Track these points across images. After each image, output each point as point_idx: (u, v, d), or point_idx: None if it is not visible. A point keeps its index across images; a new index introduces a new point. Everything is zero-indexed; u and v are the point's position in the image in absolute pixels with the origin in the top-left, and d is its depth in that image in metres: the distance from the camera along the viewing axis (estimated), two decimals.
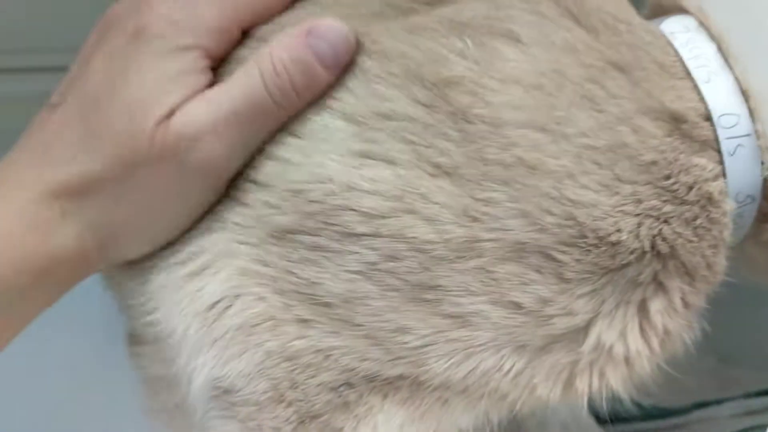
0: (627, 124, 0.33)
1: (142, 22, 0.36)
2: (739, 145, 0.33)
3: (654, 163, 0.33)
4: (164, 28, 0.35)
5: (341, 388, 0.35)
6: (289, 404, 0.35)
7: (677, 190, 0.33)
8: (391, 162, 0.33)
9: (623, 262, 0.33)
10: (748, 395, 0.61)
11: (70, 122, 0.36)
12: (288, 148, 0.35)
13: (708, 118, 0.33)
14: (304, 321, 0.34)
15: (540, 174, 0.32)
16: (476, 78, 0.33)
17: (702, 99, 0.33)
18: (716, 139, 0.33)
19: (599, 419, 0.71)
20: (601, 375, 0.34)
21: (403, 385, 0.35)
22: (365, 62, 0.34)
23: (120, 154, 0.35)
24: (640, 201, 0.33)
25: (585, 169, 0.32)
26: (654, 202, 0.33)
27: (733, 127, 0.33)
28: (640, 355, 0.34)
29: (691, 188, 0.33)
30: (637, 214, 0.33)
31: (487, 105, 0.33)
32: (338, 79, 0.35)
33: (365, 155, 0.33)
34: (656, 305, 0.34)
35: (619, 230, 0.32)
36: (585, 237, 0.32)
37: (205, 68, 0.36)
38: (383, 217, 0.32)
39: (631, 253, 0.33)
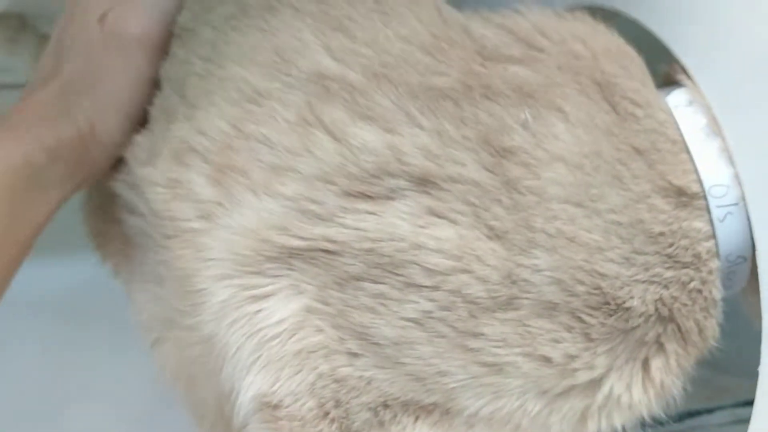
0: (644, 202, 0.36)
1: None
2: (728, 213, 0.37)
3: (662, 234, 0.36)
4: None
5: (378, 409, 0.38)
6: (332, 420, 0.38)
7: (677, 254, 0.36)
8: (454, 222, 0.36)
9: (634, 325, 0.37)
10: (737, 404, 0.64)
11: None
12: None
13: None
14: (354, 354, 0.38)
15: (575, 246, 0.36)
16: (530, 150, 0.36)
17: (698, 174, 0.37)
18: (708, 208, 0.37)
19: None
20: (609, 418, 0.38)
21: (434, 410, 0.39)
22: (443, 125, 0.37)
23: (73, 38, 0.50)
24: (647, 269, 0.36)
25: (612, 243, 0.36)
26: (658, 269, 0.36)
27: (722, 197, 0.37)
28: (640, 403, 0.38)
29: (687, 250, 0.37)
30: (644, 281, 0.36)
31: (536, 178, 0.36)
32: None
33: (433, 213, 0.36)
34: (656, 363, 0.38)
35: (632, 297, 0.36)
36: (608, 304, 0.36)
37: None
38: (444, 274, 0.36)
39: (640, 316, 0.36)
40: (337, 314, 0.38)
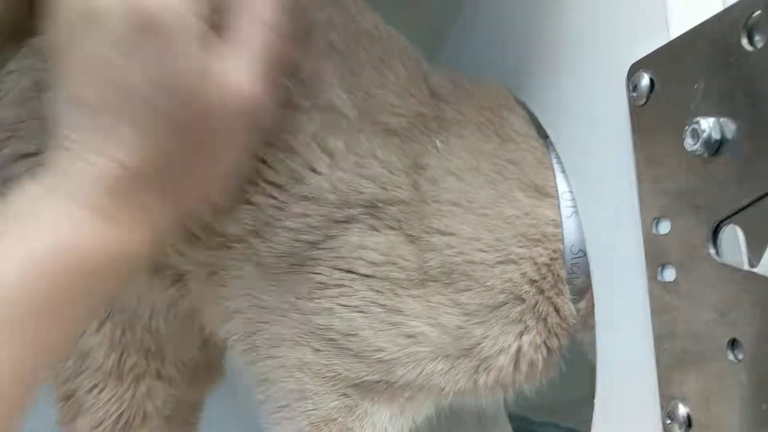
0: (507, 197, 0.48)
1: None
2: (574, 212, 0.48)
3: (517, 216, 0.47)
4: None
5: (341, 398, 0.49)
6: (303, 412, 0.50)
7: (528, 232, 0.47)
8: (386, 234, 0.48)
9: (498, 302, 0.47)
10: None
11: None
12: None
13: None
14: (317, 350, 0.49)
15: (455, 239, 0.47)
16: (436, 167, 0.49)
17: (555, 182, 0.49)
18: (558, 206, 0.48)
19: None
20: (489, 374, 0.48)
21: (383, 390, 0.49)
22: (390, 157, 0.49)
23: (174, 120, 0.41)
24: (509, 253, 0.47)
25: (480, 234, 0.47)
26: (513, 248, 0.47)
27: (570, 200, 0.48)
28: (512, 371, 0.48)
29: (536, 228, 0.47)
30: (503, 262, 0.47)
31: (437, 188, 0.48)
32: None
33: (373, 228, 0.48)
34: (526, 339, 0.48)
35: (493, 277, 0.47)
36: (477, 284, 0.47)
37: None
38: (378, 265, 0.48)
39: (501, 293, 0.47)
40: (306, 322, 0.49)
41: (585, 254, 0.47)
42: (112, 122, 0.38)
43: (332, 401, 0.49)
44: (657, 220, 0.39)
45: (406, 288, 0.47)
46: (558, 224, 0.48)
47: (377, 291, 0.47)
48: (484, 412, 0.70)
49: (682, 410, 0.38)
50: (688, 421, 0.37)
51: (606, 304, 0.45)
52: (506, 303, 0.47)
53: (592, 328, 0.47)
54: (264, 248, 0.48)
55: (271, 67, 0.41)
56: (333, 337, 0.48)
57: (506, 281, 0.47)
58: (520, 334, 0.48)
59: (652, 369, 0.40)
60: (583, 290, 0.48)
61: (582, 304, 0.48)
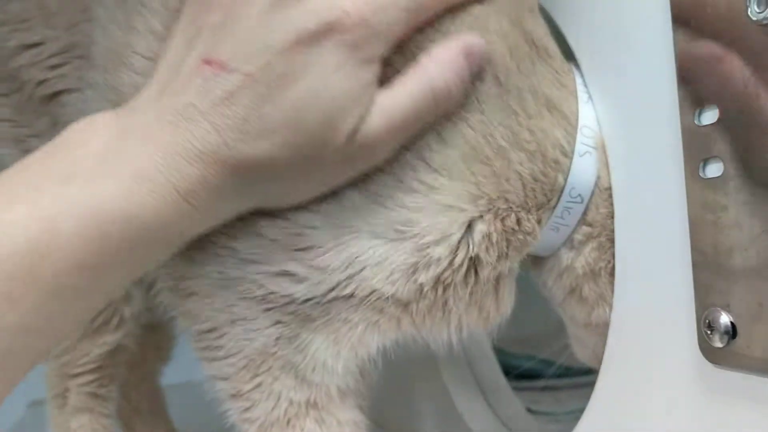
0: (512, 91, 0.41)
1: (333, 19, 0.37)
2: (587, 152, 0.42)
3: (516, 114, 0.41)
4: (360, 36, 0.37)
5: (277, 326, 0.43)
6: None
7: (525, 141, 0.41)
8: None
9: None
10: None
11: (249, 99, 0.37)
12: None
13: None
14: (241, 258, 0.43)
15: None
16: None
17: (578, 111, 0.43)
18: (574, 140, 0.42)
19: (513, 375, 0.75)
20: (428, 271, 0.42)
21: (317, 317, 0.43)
22: None
23: (303, 150, 0.38)
24: (490, 140, 0.41)
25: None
26: (500, 141, 0.41)
27: (588, 137, 0.43)
28: (451, 271, 0.42)
29: (536, 140, 0.41)
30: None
31: None
32: None
33: None
34: (475, 228, 0.41)
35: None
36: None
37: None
38: None
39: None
40: None
41: (582, 201, 0.43)
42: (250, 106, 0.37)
43: (266, 329, 0.43)
44: (701, 110, 0.35)
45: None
46: (567, 154, 0.42)
47: None
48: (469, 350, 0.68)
49: (725, 319, 0.34)
50: (733, 331, 0.33)
51: (631, 210, 0.41)
52: (454, 173, 0.41)
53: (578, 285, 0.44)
54: None
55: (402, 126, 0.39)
56: (258, 222, 0.42)
57: (466, 148, 0.40)
58: (461, 216, 0.41)
59: (687, 277, 0.36)
60: (579, 243, 0.44)
61: (578, 261, 0.44)
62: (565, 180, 0.42)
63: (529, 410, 0.71)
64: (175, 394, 0.71)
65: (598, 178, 0.42)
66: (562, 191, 0.42)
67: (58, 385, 0.59)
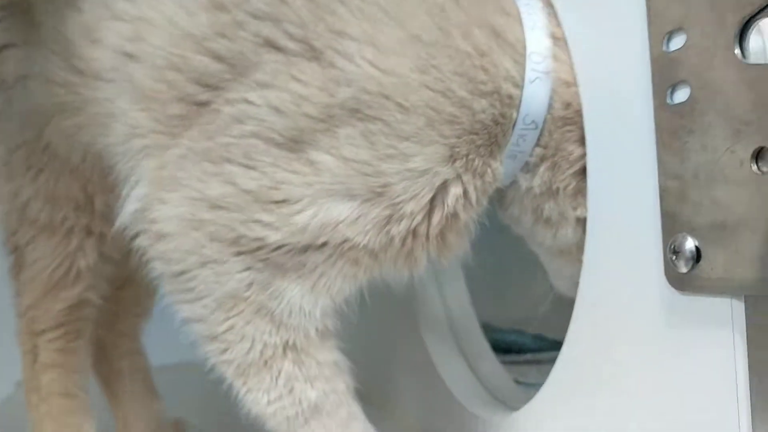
0: (458, 28, 0.41)
1: None
2: (537, 77, 0.42)
3: (468, 55, 0.41)
4: None
5: (249, 272, 0.43)
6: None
7: (479, 80, 0.41)
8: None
9: (418, 136, 0.41)
10: None
11: None
12: None
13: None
14: (213, 205, 0.43)
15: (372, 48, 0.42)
16: None
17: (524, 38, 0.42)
18: (524, 68, 0.42)
19: (501, 350, 0.74)
20: (401, 224, 0.43)
21: (291, 264, 0.43)
22: None
23: None
24: (444, 87, 0.41)
25: (405, 52, 0.41)
26: (454, 88, 0.41)
27: (537, 63, 0.42)
28: (425, 223, 0.43)
29: (488, 76, 0.41)
30: (433, 90, 0.41)
31: None
32: None
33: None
34: (441, 186, 0.42)
35: (416, 106, 0.41)
36: (394, 110, 0.41)
37: None
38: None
39: (422, 129, 0.41)
40: None
41: (537, 127, 0.43)
42: None
43: (238, 273, 0.43)
44: (669, 35, 0.35)
45: (312, 119, 0.41)
46: (518, 85, 0.42)
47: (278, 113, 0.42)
48: (455, 320, 0.67)
49: (690, 243, 0.33)
50: (697, 255, 0.33)
51: (600, 146, 0.41)
52: (424, 139, 0.41)
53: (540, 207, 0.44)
54: None
55: None
56: (232, 171, 0.42)
57: (430, 112, 0.40)
58: (435, 179, 0.42)
59: (654, 206, 0.36)
60: (534, 165, 0.44)
61: (535, 181, 0.44)
62: (518, 110, 0.42)
63: (517, 382, 0.70)
64: (169, 376, 0.70)
65: (551, 105, 0.42)
66: (516, 121, 0.42)
67: (28, 342, 0.59)
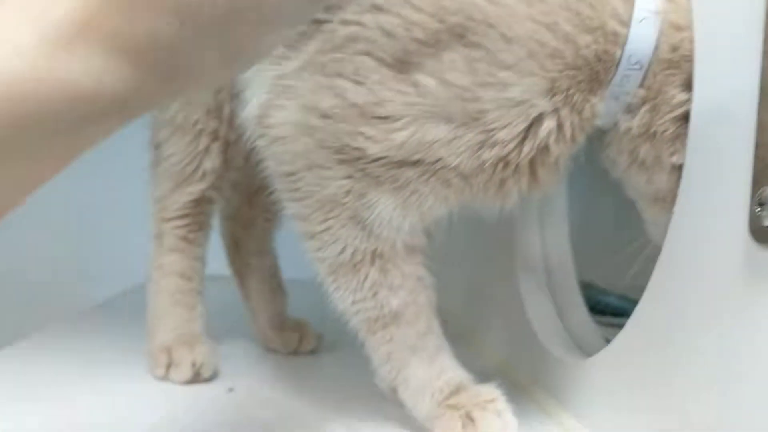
0: None
1: None
2: (645, 18, 0.43)
3: None
4: None
5: (348, 180, 0.46)
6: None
7: (585, 15, 0.42)
8: None
9: (518, 66, 0.43)
10: None
11: None
12: None
13: None
14: (323, 114, 0.47)
15: None
16: None
17: None
18: (632, 7, 0.43)
19: (598, 311, 0.74)
20: (493, 149, 0.45)
21: (386, 179, 0.46)
22: None
23: None
24: (551, 20, 0.42)
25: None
26: (560, 23, 0.42)
27: (648, 3, 0.43)
28: (516, 151, 0.44)
29: (595, 12, 0.42)
30: (539, 23, 0.42)
31: None
32: None
33: None
34: (536, 117, 0.44)
35: (520, 37, 0.42)
36: (497, 39, 0.43)
37: None
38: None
39: (524, 60, 0.43)
40: None
41: (641, 68, 0.43)
42: None
43: (339, 179, 0.47)
44: None
45: (420, 43, 0.43)
46: (624, 23, 0.42)
47: (389, 36, 0.44)
48: (551, 268, 0.68)
49: None
50: None
51: (705, 94, 0.41)
52: (524, 70, 0.42)
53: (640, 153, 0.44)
54: None
55: None
56: (342, 85, 0.45)
57: (532, 44, 0.42)
58: (531, 110, 0.43)
59: (748, 158, 0.35)
60: (635, 106, 0.44)
61: (634, 122, 0.44)
62: (623, 49, 0.42)
63: (608, 341, 0.70)
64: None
65: (657, 46, 0.42)
66: (620, 60, 0.43)
67: (157, 227, 0.68)
